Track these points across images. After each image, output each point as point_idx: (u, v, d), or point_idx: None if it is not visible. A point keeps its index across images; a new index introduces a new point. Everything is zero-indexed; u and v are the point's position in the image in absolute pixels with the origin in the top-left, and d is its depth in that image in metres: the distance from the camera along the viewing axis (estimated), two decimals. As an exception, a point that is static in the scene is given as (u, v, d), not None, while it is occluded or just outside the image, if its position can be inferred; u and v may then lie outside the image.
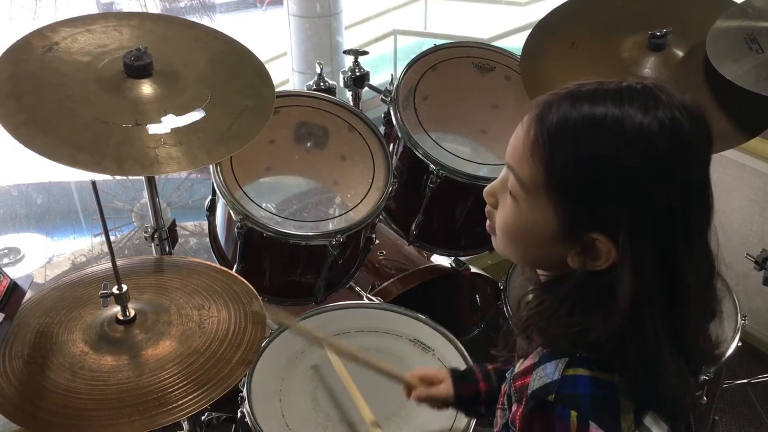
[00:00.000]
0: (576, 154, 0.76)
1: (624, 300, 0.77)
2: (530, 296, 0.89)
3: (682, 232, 0.77)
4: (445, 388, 1.21)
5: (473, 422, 1.38)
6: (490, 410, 1.12)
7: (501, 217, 0.87)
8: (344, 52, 2.09)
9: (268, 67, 1.57)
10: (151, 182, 1.55)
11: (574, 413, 0.77)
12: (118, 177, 2.46)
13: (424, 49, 1.94)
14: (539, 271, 0.90)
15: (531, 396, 0.81)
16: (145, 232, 1.62)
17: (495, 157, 1.84)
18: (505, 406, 0.90)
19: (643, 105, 0.76)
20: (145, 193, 1.58)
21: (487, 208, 0.91)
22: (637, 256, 0.76)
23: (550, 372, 0.81)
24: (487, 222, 0.91)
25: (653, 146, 0.75)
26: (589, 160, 0.76)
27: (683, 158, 0.76)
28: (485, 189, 0.90)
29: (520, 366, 0.89)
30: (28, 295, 1.31)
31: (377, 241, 1.87)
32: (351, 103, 2.04)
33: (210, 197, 1.81)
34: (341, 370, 1.38)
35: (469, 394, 1.20)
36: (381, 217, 1.82)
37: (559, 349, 0.83)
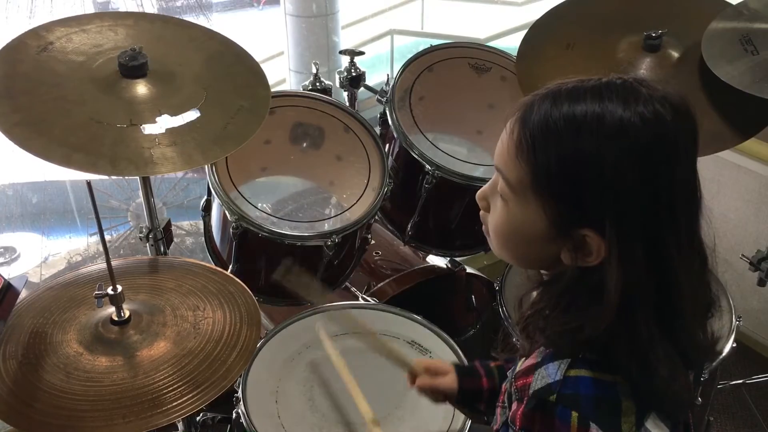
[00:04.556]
0: (558, 153, 0.77)
1: (613, 293, 0.77)
2: (532, 295, 0.89)
3: (669, 225, 0.77)
4: (450, 380, 1.21)
5: (468, 423, 1.38)
6: (491, 408, 1.11)
7: (493, 219, 0.88)
8: (340, 52, 2.09)
9: (265, 66, 1.57)
10: (146, 182, 1.55)
11: (575, 414, 0.78)
12: (113, 177, 2.45)
13: (421, 49, 1.94)
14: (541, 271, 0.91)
15: (532, 395, 0.81)
16: (140, 233, 1.62)
17: (491, 158, 1.81)
18: (506, 405, 0.90)
19: (622, 100, 0.76)
20: (141, 193, 1.58)
21: (482, 212, 0.91)
22: (624, 250, 0.77)
23: (552, 372, 0.81)
24: (483, 226, 0.92)
25: (634, 140, 0.75)
26: (572, 157, 0.76)
27: (666, 151, 0.76)
28: (477, 193, 0.90)
29: (522, 365, 0.89)
30: (22, 295, 1.31)
31: (373, 242, 1.87)
32: (347, 104, 2.04)
33: (205, 197, 1.81)
34: (342, 369, 1.37)
35: (472, 390, 1.20)
36: (377, 217, 1.82)
37: (559, 348, 0.83)
